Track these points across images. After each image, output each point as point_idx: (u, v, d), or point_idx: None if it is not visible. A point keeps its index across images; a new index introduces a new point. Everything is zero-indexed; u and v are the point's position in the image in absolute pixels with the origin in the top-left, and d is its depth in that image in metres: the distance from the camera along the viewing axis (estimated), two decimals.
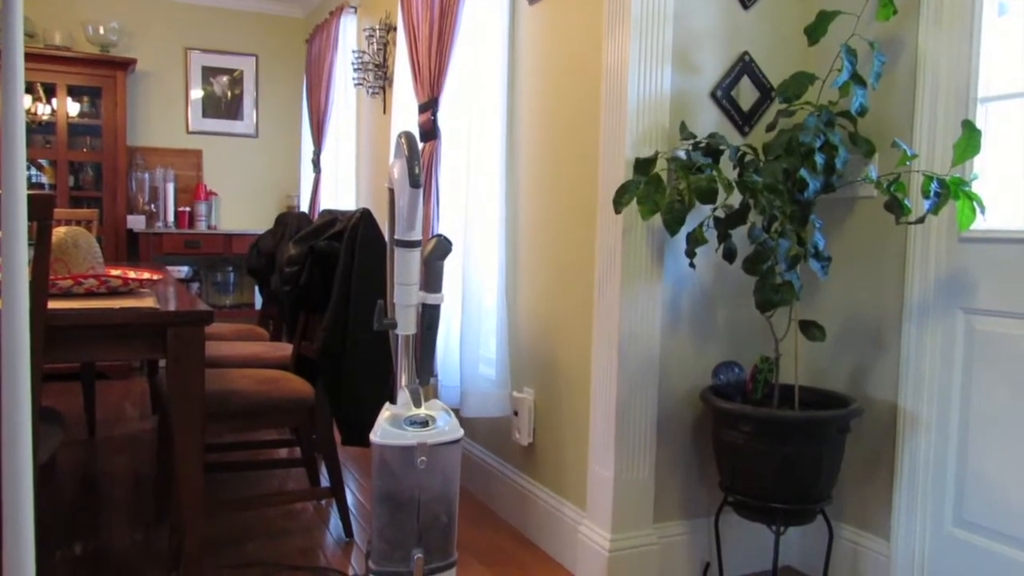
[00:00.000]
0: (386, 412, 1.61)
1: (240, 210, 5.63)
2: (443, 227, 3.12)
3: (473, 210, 2.86)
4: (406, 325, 1.69)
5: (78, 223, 4.05)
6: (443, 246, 1.70)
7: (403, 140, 1.68)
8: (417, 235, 1.67)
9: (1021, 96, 1.91)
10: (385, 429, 1.57)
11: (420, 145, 3.23)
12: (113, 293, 2.13)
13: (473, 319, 2.85)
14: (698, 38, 2.26)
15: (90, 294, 2.08)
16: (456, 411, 3.03)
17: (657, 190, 1.95)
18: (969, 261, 1.98)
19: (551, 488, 2.56)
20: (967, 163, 1.93)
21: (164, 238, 5.02)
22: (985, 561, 1.95)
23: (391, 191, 1.77)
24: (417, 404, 1.62)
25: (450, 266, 2.91)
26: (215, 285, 5.47)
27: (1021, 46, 1.93)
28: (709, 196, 1.91)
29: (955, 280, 2.00)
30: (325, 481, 3.03)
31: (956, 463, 2.02)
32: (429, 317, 1.71)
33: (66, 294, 2.04)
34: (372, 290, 2.35)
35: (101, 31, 4.94)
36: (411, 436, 1.55)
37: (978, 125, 1.94)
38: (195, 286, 5.33)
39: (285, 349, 3.11)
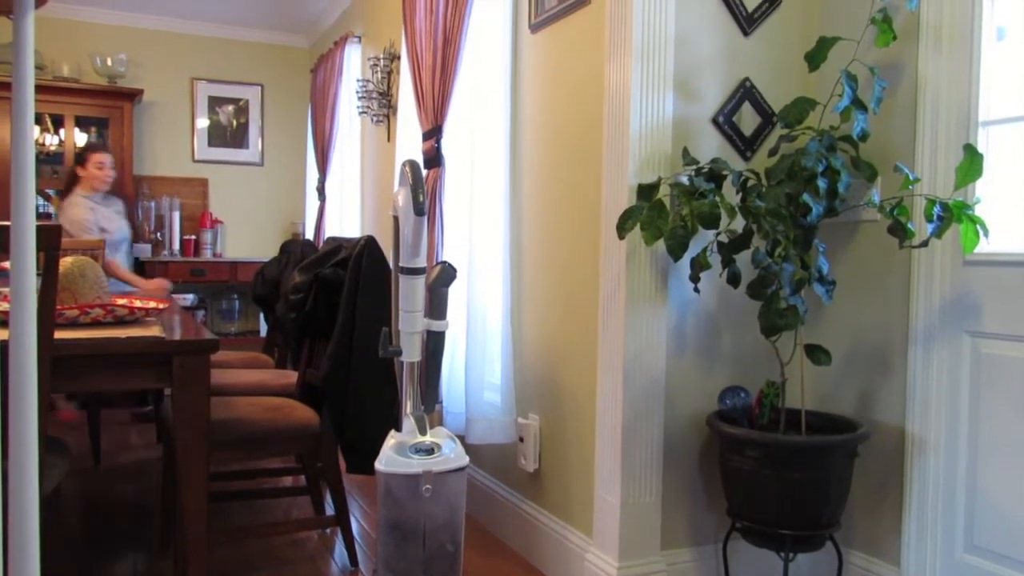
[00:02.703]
0: (391, 440, 1.61)
1: (245, 238, 5.65)
2: (447, 253, 3.13)
3: (477, 236, 2.87)
4: (411, 352, 1.69)
5: (84, 252, 4.08)
6: (448, 273, 1.70)
7: (407, 168, 1.69)
8: (422, 262, 1.67)
9: (1022, 120, 1.92)
10: (390, 457, 1.56)
11: (424, 172, 3.25)
12: (119, 322, 2.13)
13: (478, 345, 2.85)
14: (699, 64, 2.28)
15: (96, 323, 2.08)
16: (461, 438, 3.01)
17: (660, 216, 1.96)
18: (974, 284, 1.98)
19: (557, 515, 2.54)
20: (969, 186, 1.93)
21: (170, 266, 5.04)
22: None
23: (395, 219, 1.78)
24: (422, 431, 1.61)
25: (454, 292, 2.91)
26: (220, 313, 5.48)
27: (1021, 70, 1.94)
28: (712, 221, 1.92)
29: (960, 303, 2.00)
30: (330, 509, 3.01)
31: (966, 488, 2.01)
32: (434, 344, 1.71)
33: (72, 324, 2.04)
34: (377, 317, 2.35)
35: (109, 63, 5.00)
36: (416, 464, 1.55)
37: (980, 149, 1.94)
38: (200, 314, 5.33)
39: (290, 376, 3.11)
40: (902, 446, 2.12)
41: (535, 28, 2.68)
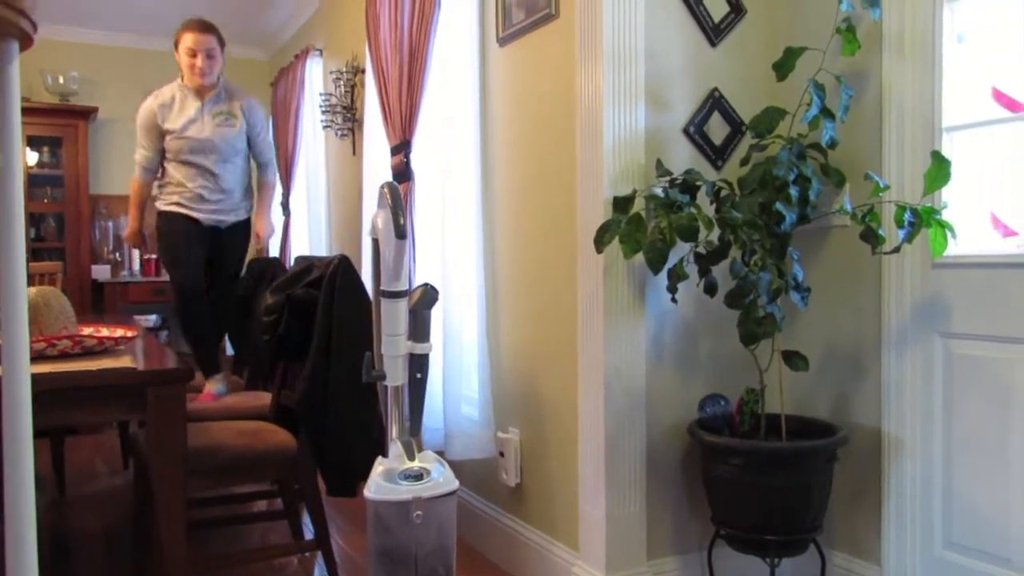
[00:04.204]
0: (379, 467, 1.59)
1: None
2: (420, 267, 3.11)
3: (451, 250, 2.86)
4: (395, 376, 1.67)
5: (42, 276, 3.97)
6: (430, 295, 1.69)
7: (387, 190, 1.68)
8: (403, 285, 1.66)
9: (984, 125, 1.97)
10: (379, 484, 1.54)
11: None
12: (88, 353, 2.08)
13: (454, 359, 2.83)
14: (669, 76, 2.30)
15: (64, 355, 2.03)
16: (441, 454, 2.99)
17: (638, 229, 1.97)
18: (943, 286, 2.02)
19: (542, 529, 2.53)
20: (937, 191, 1.98)
21: (130, 287, 4.93)
22: None
23: (375, 241, 1.76)
24: (410, 457, 1.59)
25: None
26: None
27: (980, 76, 1.99)
28: (691, 234, 1.93)
29: (931, 305, 2.04)
30: (308, 533, 2.97)
31: (942, 486, 2.05)
32: (417, 367, 1.70)
33: (40, 357, 1.98)
34: (353, 337, 2.33)
35: (61, 80, 4.88)
36: (406, 490, 1.53)
37: (945, 155, 1.99)
38: (164, 334, 5.22)
39: (263, 398, 3.06)
40: (879, 447, 2.16)
41: (503, 41, 2.68)
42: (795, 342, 2.36)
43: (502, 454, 2.69)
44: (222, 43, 3.30)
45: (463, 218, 2.86)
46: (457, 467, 3.00)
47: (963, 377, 1.99)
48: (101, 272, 4.93)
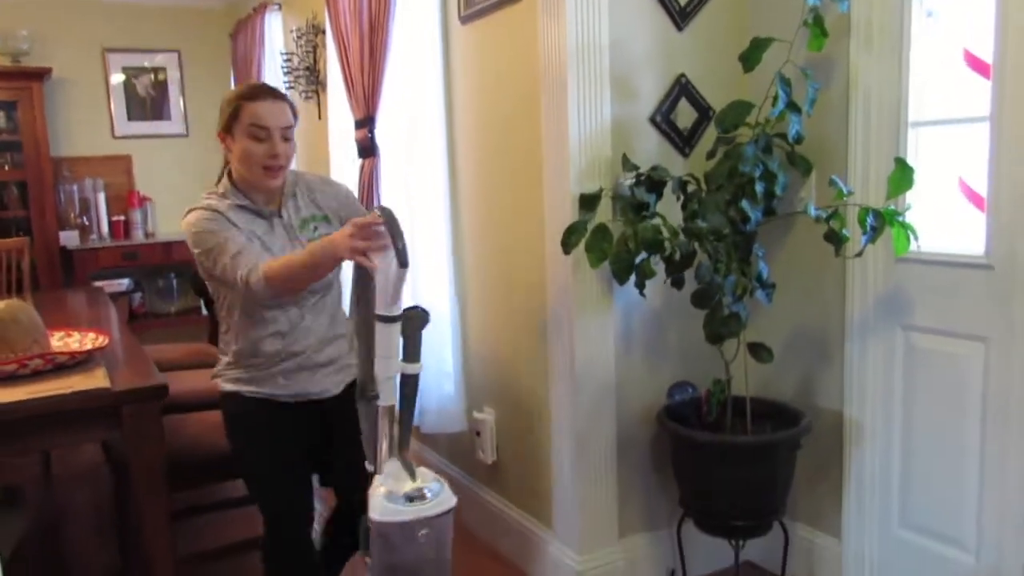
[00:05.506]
0: (381, 488, 1.65)
1: (177, 213, 5.42)
2: None
3: (418, 232, 2.84)
4: (388, 396, 1.72)
5: (8, 253, 3.91)
6: (422, 318, 1.71)
7: (384, 217, 1.65)
8: (399, 309, 1.67)
9: (949, 123, 1.97)
10: (384, 506, 1.61)
11: (359, 162, 3.18)
12: (60, 369, 2.07)
13: (428, 336, 2.85)
14: (635, 62, 2.25)
15: (37, 374, 2.02)
16: (416, 428, 3.05)
17: (604, 239, 1.97)
18: (906, 281, 2.05)
19: (519, 507, 2.61)
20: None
21: (100, 253, 4.85)
22: (929, 560, 2.08)
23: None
24: (412, 476, 1.66)
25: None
26: (158, 293, 5.33)
27: (951, 46, 1.96)
28: (656, 246, 1.94)
29: (893, 298, 2.08)
30: None
31: (900, 469, 2.13)
32: (410, 387, 1.74)
33: (12, 378, 1.98)
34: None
35: (9, 41, 4.68)
36: (410, 512, 1.61)
37: (910, 149, 2.00)
38: (137, 296, 5.19)
39: None
40: (841, 430, 2.23)
41: (465, 20, 2.60)
42: (760, 329, 2.39)
43: (478, 433, 2.75)
44: (295, 114, 2.00)
45: (430, 197, 2.83)
46: (433, 440, 3.08)
47: (923, 368, 2.05)
48: (70, 239, 4.84)
